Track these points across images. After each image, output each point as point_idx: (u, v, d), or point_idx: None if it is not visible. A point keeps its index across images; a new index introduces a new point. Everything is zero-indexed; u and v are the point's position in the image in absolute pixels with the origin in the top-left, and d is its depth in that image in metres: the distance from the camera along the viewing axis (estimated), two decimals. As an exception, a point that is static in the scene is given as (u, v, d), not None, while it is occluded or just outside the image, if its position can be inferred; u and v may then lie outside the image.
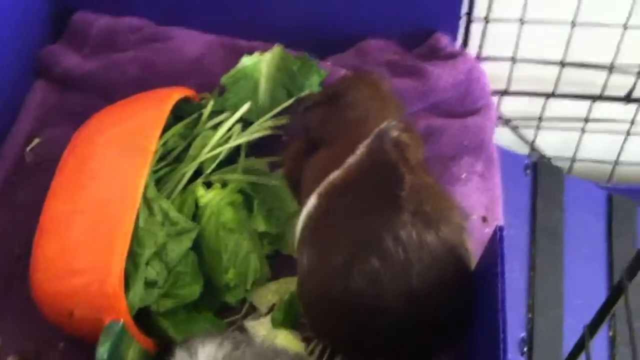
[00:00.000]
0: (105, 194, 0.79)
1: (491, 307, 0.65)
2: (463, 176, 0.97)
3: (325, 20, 1.09)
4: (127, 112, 0.89)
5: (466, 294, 0.74)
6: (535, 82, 1.18)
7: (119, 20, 1.09)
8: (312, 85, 0.97)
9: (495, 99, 1.15)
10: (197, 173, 0.88)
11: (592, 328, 0.59)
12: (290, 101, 0.95)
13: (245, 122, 0.94)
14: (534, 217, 0.98)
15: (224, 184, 0.87)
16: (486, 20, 1.10)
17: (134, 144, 0.82)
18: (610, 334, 0.88)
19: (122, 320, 0.72)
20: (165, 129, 0.87)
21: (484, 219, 0.93)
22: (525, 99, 1.19)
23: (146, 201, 0.79)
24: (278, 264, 0.88)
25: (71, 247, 0.77)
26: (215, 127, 0.91)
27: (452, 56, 1.07)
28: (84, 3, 1.10)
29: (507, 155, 1.03)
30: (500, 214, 0.94)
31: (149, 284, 0.77)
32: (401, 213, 0.70)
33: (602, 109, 1.20)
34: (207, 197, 0.84)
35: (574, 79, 1.17)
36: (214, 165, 0.88)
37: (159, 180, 0.85)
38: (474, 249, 0.76)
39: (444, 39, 1.08)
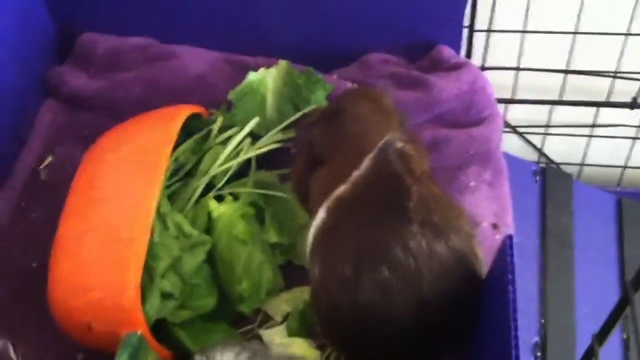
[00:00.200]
0: (119, 210, 0.79)
1: (503, 313, 0.66)
2: (471, 184, 0.97)
3: (328, 35, 1.09)
4: (137, 130, 0.90)
5: (477, 303, 0.74)
6: (541, 91, 1.19)
7: (124, 40, 1.10)
8: (318, 99, 0.98)
9: (501, 107, 1.16)
10: (209, 187, 0.88)
11: (600, 337, 0.59)
12: (298, 115, 0.96)
13: (254, 137, 0.95)
14: (543, 223, 0.98)
15: (235, 197, 0.88)
16: (488, 31, 1.11)
17: (146, 161, 0.83)
18: (624, 336, 0.87)
19: (139, 332, 0.73)
20: (176, 146, 0.88)
21: (494, 226, 0.93)
22: (532, 106, 1.20)
23: (160, 216, 0.80)
24: (290, 274, 0.88)
25: (85, 264, 0.77)
26: (225, 142, 0.92)
27: (456, 67, 1.07)
28: (89, 24, 1.11)
29: (515, 162, 1.03)
30: (511, 221, 0.94)
31: (165, 296, 0.78)
32: (410, 224, 0.70)
33: (608, 115, 1.20)
34: (219, 210, 0.85)
35: (579, 86, 1.18)
36: (225, 179, 0.89)
37: (172, 195, 0.86)
38: (485, 257, 0.76)
39: (446, 51, 1.08)
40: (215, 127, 0.94)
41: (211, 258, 0.83)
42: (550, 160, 1.25)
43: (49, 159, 1.02)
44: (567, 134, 1.22)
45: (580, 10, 1.08)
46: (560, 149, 1.25)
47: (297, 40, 1.08)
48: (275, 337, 0.82)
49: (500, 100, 1.15)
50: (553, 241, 0.95)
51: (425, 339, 0.72)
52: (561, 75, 1.16)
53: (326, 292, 0.74)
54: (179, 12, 1.09)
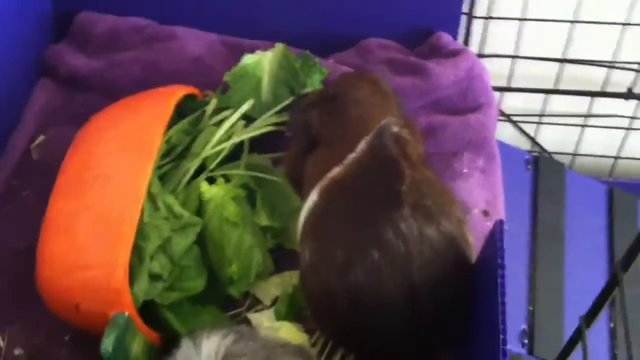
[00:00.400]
0: (110, 190, 0.79)
1: (492, 299, 0.66)
2: (464, 171, 0.97)
3: (327, 19, 1.09)
4: (131, 109, 0.90)
5: (467, 287, 0.74)
6: (536, 79, 1.19)
7: (123, 20, 1.10)
8: (314, 83, 0.98)
9: (496, 95, 1.16)
10: (201, 169, 0.88)
11: (588, 318, 0.59)
12: (292, 99, 0.96)
13: (248, 119, 0.94)
14: (535, 212, 0.98)
15: (227, 180, 0.88)
16: (487, 18, 1.11)
17: (138, 141, 0.83)
18: (612, 325, 0.88)
19: (126, 312, 0.73)
20: (169, 126, 0.88)
21: (485, 213, 0.93)
22: (527, 95, 1.20)
23: (150, 196, 0.80)
24: (281, 257, 0.88)
25: (77, 243, 0.77)
26: (219, 124, 0.92)
27: (454, 54, 1.07)
28: (86, 3, 1.10)
29: (508, 150, 1.03)
30: (502, 209, 0.95)
31: (154, 277, 0.77)
32: (402, 207, 0.71)
33: (602, 105, 1.20)
34: (211, 192, 0.85)
35: (575, 76, 1.18)
36: (217, 161, 0.89)
37: (163, 176, 0.86)
38: (475, 243, 0.76)
39: (445, 37, 1.09)
40: (209, 108, 0.94)
41: (201, 240, 0.83)
42: (543, 150, 1.25)
43: (41, 138, 1.01)
44: (561, 123, 1.22)
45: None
46: (553, 138, 1.25)
47: (295, 25, 1.08)
48: (264, 320, 0.82)
49: (496, 89, 1.15)
50: (543, 229, 0.96)
51: (418, 327, 0.72)
52: (557, 65, 1.16)
53: (316, 275, 0.74)
54: (177, -7, 1.09)
